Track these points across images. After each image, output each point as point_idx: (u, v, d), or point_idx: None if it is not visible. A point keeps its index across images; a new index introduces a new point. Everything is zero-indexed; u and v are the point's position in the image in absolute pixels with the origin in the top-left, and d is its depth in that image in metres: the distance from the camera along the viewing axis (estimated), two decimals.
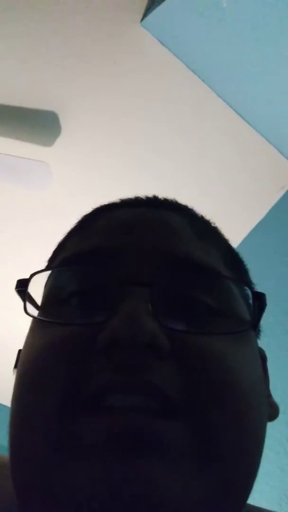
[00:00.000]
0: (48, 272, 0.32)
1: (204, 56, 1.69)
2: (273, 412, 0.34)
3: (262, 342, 0.35)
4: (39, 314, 0.30)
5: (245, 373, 0.27)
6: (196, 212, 0.38)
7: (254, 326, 0.31)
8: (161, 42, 1.69)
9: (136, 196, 0.38)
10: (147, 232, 0.31)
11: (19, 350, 0.32)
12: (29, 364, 0.28)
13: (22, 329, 0.32)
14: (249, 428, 0.26)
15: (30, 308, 0.30)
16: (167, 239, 0.30)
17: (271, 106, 1.72)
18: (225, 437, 0.25)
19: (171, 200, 0.38)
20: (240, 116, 1.80)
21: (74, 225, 0.37)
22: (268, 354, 0.37)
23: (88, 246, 0.30)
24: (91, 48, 1.70)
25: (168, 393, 0.24)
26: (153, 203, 0.37)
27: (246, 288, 0.32)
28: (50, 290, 0.31)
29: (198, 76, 1.74)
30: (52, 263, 0.35)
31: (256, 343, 0.33)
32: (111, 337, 0.24)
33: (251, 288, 0.32)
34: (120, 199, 0.38)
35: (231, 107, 1.79)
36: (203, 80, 1.74)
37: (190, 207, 0.38)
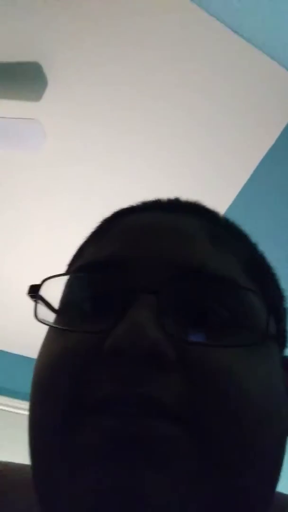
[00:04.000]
0: (65, 278, 0.32)
1: None
2: None
3: None
4: (54, 320, 0.31)
5: (257, 386, 0.26)
6: (218, 216, 0.37)
7: (268, 338, 0.28)
8: None
9: (157, 198, 0.37)
10: (159, 239, 0.30)
11: None
12: (39, 371, 0.29)
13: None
14: (260, 444, 0.26)
15: (43, 312, 0.31)
16: (180, 247, 0.30)
17: (277, 26, 1.57)
18: (232, 451, 0.24)
19: (192, 203, 0.37)
20: (243, 38, 1.65)
21: (92, 230, 0.37)
22: None
23: (100, 255, 0.31)
24: None
25: (168, 405, 0.24)
26: (172, 206, 0.35)
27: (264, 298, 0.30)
28: (65, 295, 0.32)
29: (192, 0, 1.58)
30: (70, 269, 0.35)
31: (278, 353, 0.31)
32: (113, 345, 0.24)
33: (269, 300, 0.30)
34: (140, 202, 0.37)
35: (231, 29, 1.64)
36: (197, 4, 1.58)
37: (212, 210, 0.37)
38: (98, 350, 0.25)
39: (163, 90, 1.81)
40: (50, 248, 2.40)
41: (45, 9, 1.59)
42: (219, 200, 2.08)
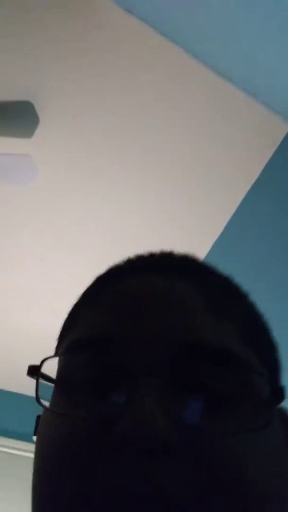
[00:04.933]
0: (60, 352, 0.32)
1: (173, 17, 1.60)
2: None
3: None
4: (53, 395, 0.31)
5: (264, 468, 0.26)
6: (214, 273, 0.36)
7: (271, 417, 0.29)
8: (128, 10, 1.61)
9: (147, 254, 0.36)
10: (156, 313, 0.30)
11: (38, 416, 0.32)
12: (43, 457, 0.28)
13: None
14: None
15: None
16: (178, 321, 0.29)
17: (249, 60, 1.65)
18: None
19: (186, 259, 0.36)
20: (219, 74, 1.73)
21: (83, 294, 0.36)
22: None
23: (96, 331, 0.30)
24: (57, 28, 1.61)
25: (179, 498, 0.24)
26: (166, 267, 0.34)
27: (265, 374, 0.30)
28: (62, 374, 0.31)
29: (171, 39, 1.66)
30: (63, 341, 0.34)
31: (278, 413, 0.31)
32: (122, 439, 0.24)
33: (266, 364, 0.31)
34: (134, 259, 0.36)
35: (208, 66, 1.72)
36: (176, 43, 1.66)
37: (206, 266, 0.36)
38: (103, 440, 0.25)
39: (153, 125, 1.87)
40: (44, 278, 2.41)
41: (36, 50, 1.67)
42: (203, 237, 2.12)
